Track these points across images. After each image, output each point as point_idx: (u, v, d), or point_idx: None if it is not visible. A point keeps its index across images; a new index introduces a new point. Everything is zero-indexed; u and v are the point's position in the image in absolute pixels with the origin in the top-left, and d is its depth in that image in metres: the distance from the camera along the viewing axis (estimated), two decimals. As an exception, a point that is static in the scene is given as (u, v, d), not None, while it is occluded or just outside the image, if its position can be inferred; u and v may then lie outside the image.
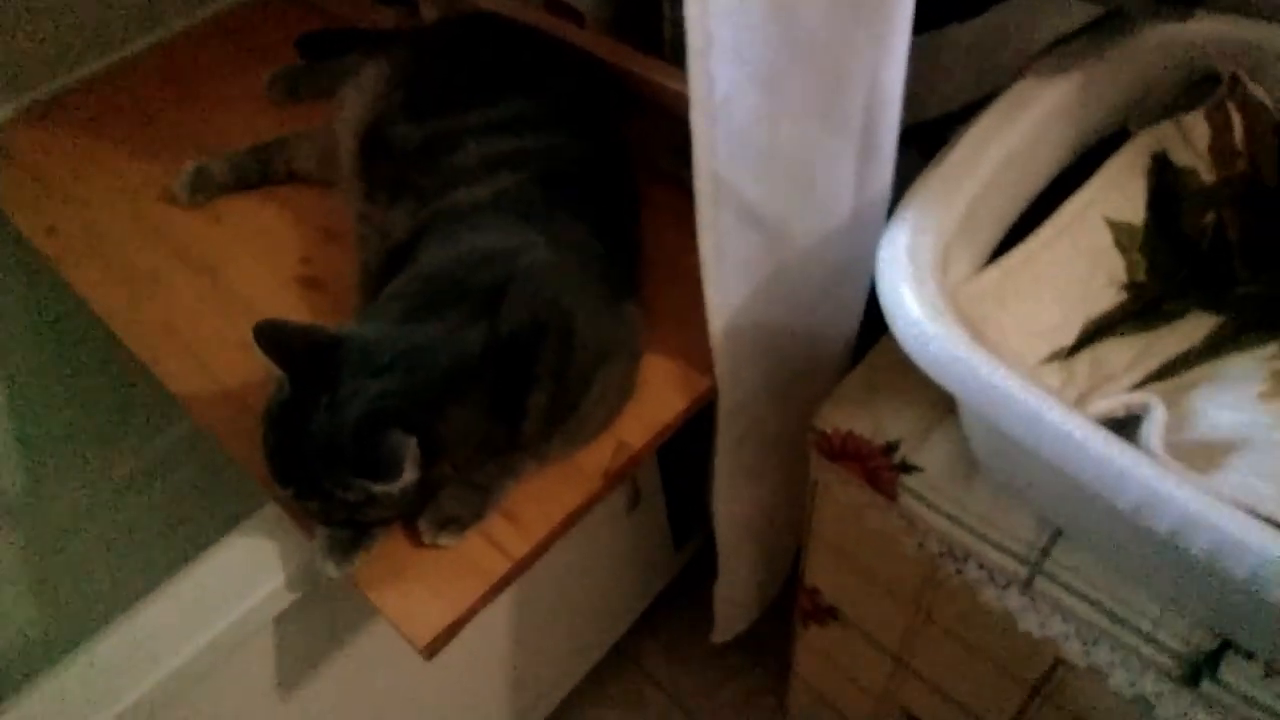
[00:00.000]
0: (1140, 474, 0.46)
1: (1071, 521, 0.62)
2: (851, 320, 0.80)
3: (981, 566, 0.69)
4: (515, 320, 0.65)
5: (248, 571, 0.72)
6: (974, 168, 0.63)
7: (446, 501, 0.67)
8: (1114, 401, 0.53)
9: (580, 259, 0.71)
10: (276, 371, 0.64)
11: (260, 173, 0.98)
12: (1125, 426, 0.52)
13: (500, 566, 0.67)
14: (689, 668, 1.33)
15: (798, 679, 1.13)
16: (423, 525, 0.67)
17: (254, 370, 0.83)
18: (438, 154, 0.78)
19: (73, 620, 1.26)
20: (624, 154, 0.85)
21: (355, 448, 0.60)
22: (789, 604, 1.18)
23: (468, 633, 0.66)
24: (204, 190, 0.97)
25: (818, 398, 0.88)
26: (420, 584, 0.67)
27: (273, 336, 0.62)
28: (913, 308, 0.55)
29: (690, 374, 0.77)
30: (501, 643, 1.05)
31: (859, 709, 1.04)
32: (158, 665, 0.68)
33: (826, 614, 0.94)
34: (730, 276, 0.68)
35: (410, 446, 0.59)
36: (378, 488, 0.60)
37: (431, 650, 0.64)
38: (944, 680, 0.85)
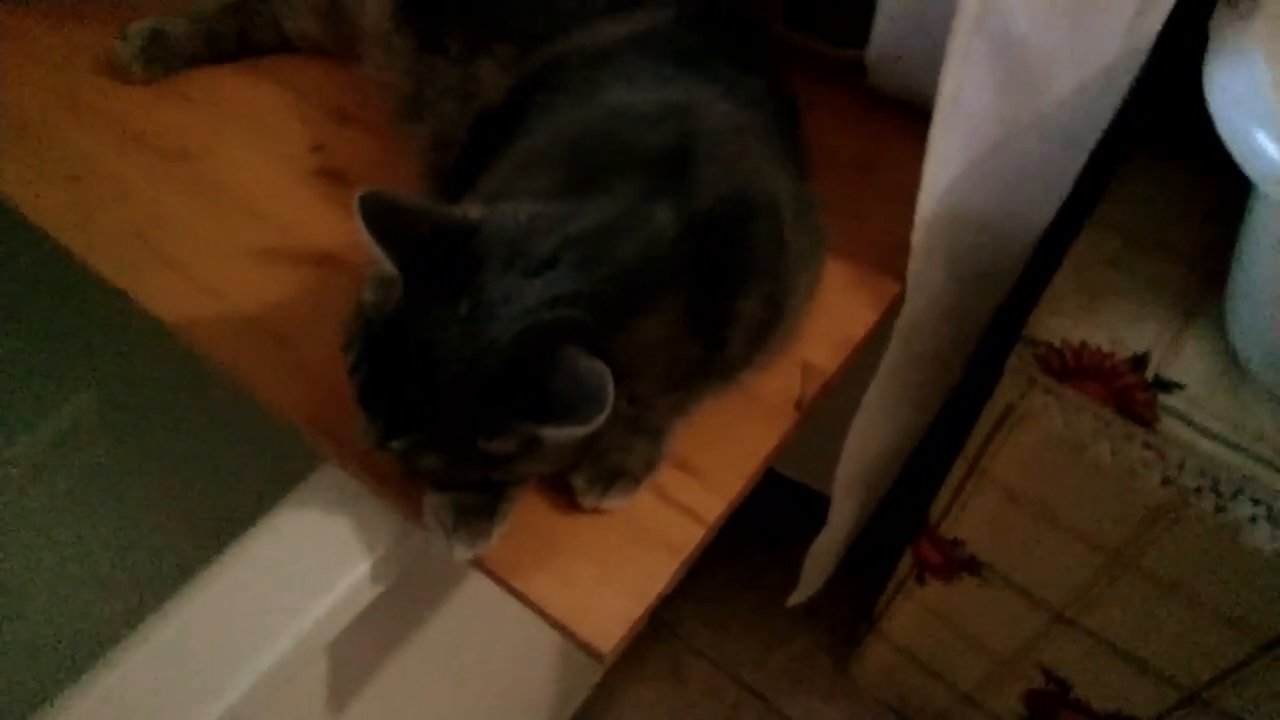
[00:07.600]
0: None
1: None
2: (1049, 211, 0.65)
3: (1257, 501, 0.56)
4: (712, 196, 0.47)
5: (314, 562, 0.51)
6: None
7: (611, 450, 0.49)
8: None
9: (764, 123, 0.53)
10: (376, 268, 0.44)
11: (239, 38, 0.75)
12: None
13: (691, 535, 0.49)
14: (731, 633, 1.18)
15: (882, 640, 1.00)
16: (581, 484, 0.49)
17: (269, 286, 0.62)
18: None
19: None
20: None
21: (517, 375, 0.41)
22: (850, 558, 1.05)
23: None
24: (163, 60, 0.73)
25: (977, 311, 0.74)
26: (583, 566, 0.48)
27: (386, 214, 0.42)
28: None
29: (873, 278, 0.60)
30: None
31: (969, 671, 0.92)
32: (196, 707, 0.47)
33: (963, 567, 0.80)
34: (959, 138, 0.52)
35: (605, 372, 0.40)
36: (560, 431, 0.41)
37: (614, 655, 0.46)
38: (1127, 636, 0.73)
